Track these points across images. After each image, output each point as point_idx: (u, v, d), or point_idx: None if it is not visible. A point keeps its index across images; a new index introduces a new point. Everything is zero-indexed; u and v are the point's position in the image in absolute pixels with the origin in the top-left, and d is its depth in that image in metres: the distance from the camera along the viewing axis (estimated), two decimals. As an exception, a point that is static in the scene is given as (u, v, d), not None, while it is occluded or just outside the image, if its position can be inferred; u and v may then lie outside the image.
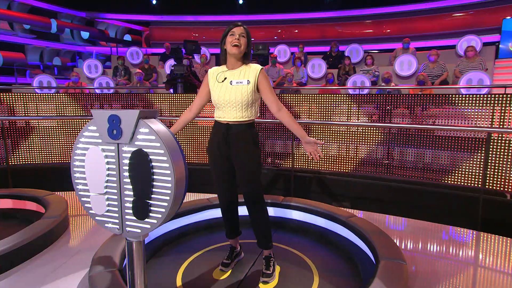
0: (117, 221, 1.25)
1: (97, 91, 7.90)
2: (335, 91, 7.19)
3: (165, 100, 4.81)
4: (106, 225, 1.27)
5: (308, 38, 11.80)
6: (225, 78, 2.04)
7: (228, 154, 2.08)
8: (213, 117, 2.12)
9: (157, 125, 1.18)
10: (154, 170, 1.16)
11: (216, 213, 2.88)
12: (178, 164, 1.15)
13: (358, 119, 4.16)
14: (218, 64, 9.76)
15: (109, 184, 1.24)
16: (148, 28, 13.25)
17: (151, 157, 1.16)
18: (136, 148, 1.18)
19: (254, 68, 2.03)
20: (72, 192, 3.93)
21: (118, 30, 14.24)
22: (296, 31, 12.18)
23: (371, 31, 11.35)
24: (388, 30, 11.13)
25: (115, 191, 1.24)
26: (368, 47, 10.64)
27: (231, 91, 2.00)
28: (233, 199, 2.19)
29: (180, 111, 4.75)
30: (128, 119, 1.15)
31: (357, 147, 4.17)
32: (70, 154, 4.80)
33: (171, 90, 6.08)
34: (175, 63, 5.76)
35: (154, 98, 4.85)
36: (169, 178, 1.15)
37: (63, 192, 3.79)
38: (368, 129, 4.09)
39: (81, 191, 1.28)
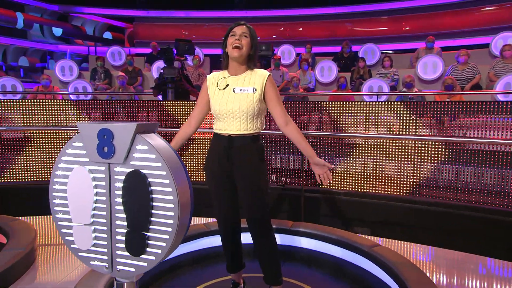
0: (105, 257, 1.21)
1: (72, 97, 7.91)
2: (348, 98, 7.25)
3: (153, 108, 4.83)
4: (91, 262, 1.22)
5: (316, 37, 11.96)
6: (227, 85, 2.07)
7: (230, 171, 2.09)
8: (211, 129, 2.19)
9: (158, 141, 1.16)
10: (154, 196, 1.13)
11: (215, 241, 2.84)
12: (183, 188, 1.13)
13: (376, 130, 4.19)
14: (212, 66, 10.04)
15: (97, 213, 1.21)
16: (132, 24, 13.38)
17: (150, 179, 1.14)
18: (132, 169, 1.15)
19: (261, 74, 2.05)
20: (42, 217, 3.84)
21: (96, 27, 14.36)
22: (301, 29, 12.35)
23: (388, 28, 11.50)
24: (408, 28, 11.28)
25: (105, 220, 1.21)
26: (385, 47, 10.77)
27: (234, 99, 2.02)
28: (235, 224, 2.19)
29: (170, 121, 4.78)
30: (122, 134, 1.13)
31: (376, 163, 4.18)
32: (38, 171, 4.74)
33: (160, 97, 6.09)
34: (165, 65, 5.78)
35: (139, 105, 4.87)
36: (172, 205, 1.12)
37: (31, 217, 3.69)
38: (388, 142, 4.11)
39: (62, 220, 1.24)
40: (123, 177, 1.15)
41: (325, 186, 4.33)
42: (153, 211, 1.13)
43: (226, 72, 2.12)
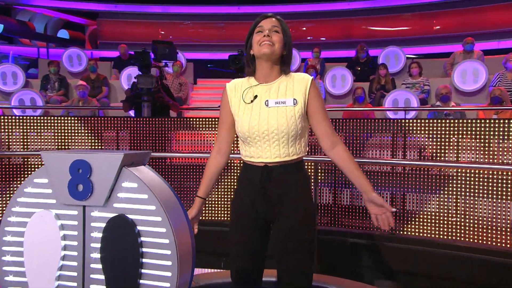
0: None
1: (17, 111, 7.86)
2: (367, 113, 7.29)
3: (123, 127, 4.84)
4: None
5: (325, 38, 12.19)
6: (256, 96, 2.05)
7: (269, 215, 2.08)
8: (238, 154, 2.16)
9: (151, 176, 1.15)
10: (145, 250, 1.10)
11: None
12: (183, 238, 1.11)
13: (403, 155, 4.21)
14: (197, 74, 10.10)
15: (66, 273, 1.17)
16: (96, 21, 13.49)
17: (140, 227, 1.11)
18: (116, 214, 1.13)
19: (301, 80, 2.05)
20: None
21: (49, 23, 14.46)
22: (305, 28, 12.60)
23: (415, 27, 11.75)
24: (439, 26, 11.53)
25: (75, 284, 1.16)
26: (412, 51, 10.96)
27: (268, 116, 2.01)
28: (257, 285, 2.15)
29: (146, 144, 4.78)
30: (104, 167, 1.11)
31: (404, 195, 4.18)
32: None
33: (132, 112, 6.08)
34: (139, 73, 5.81)
35: (105, 123, 4.87)
36: (169, 263, 1.08)
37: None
38: (420, 170, 4.12)
39: (13, 285, 1.20)
40: (103, 225, 1.13)
41: (343, 227, 4.29)
42: (143, 271, 1.09)
43: (252, 79, 2.10)
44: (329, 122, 2.07)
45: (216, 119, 4.79)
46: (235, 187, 2.16)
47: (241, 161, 2.14)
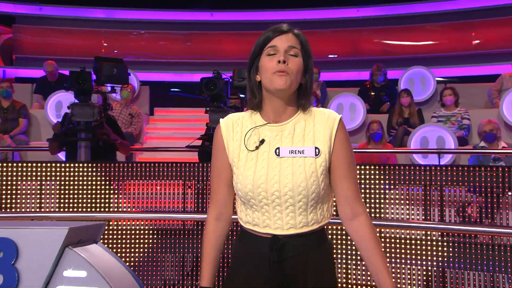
0: None
1: None
2: (386, 157, 7.35)
3: (49, 177, 4.81)
4: None
5: (326, 55, 12.28)
6: (263, 141, 2.07)
7: None
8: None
9: (105, 260, 1.12)
10: None
11: None
12: None
13: (440, 216, 4.21)
14: (154, 102, 10.02)
15: None
16: (11, 28, 13.47)
17: None
18: None
19: (326, 119, 2.08)
20: None
21: None
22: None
23: (447, 41, 11.95)
24: (478, 41, 11.79)
25: None
26: (444, 72, 11.14)
27: (280, 170, 2.02)
28: None
29: (84, 199, 4.75)
30: (37, 248, 1.07)
31: (442, 272, 4.19)
32: None
33: (62, 155, 6.11)
34: (76, 100, 5.76)
35: (22, 171, 4.84)
36: None
37: None
38: (464, 237, 4.15)
39: None
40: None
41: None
42: None
43: (257, 115, 2.12)
44: (356, 182, 2.09)
45: (182, 165, 4.82)
46: (228, 263, 2.13)
47: (238, 225, 2.14)
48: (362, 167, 4.43)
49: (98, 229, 1.14)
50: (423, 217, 4.29)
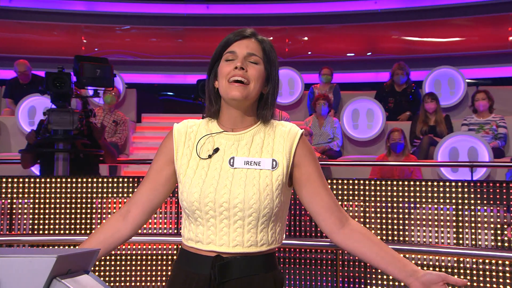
0: None
1: None
2: (409, 170, 7.34)
3: (21, 194, 4.81)
4: None
5: (338, 54, 12.39)
6: (217, 150, 2.15)
7: None
8: (176, 236, 2.21)
9: None
10: None
11: None
12: None
13: (474, 241, 4.20)
14: (142, 107, 9.99)
15: None
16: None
17: None
18: None
19: (287, 133, 2.17)
20: None
21: None
22: (305, 39, 12.89)
23: (477, 38, 11.97)
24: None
25: None
26: (476, 73, 11.14)
27: (233, 181, 2.09)
28: None
29: (63, 219, 4.75)
30: (19, 279, 1.06)
31: None
32: None
33: (35, 169, 6.14)
34: (53, 106, 5.77)
35: None
36: None
37: None
38: (503, 265, 4.11)
39: None
40: None
41: None
42: None
43: (214, 123, 2.21)
44: (331, 192, 2.20)
45: None
46: (167, 284, 2.23)
47: (178, 247, 2.17)
48: (383, 182, 4.45)
49: (89, 257, 1.12)
50: (454, 241, 4.27)
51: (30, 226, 4.76)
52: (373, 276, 4.45)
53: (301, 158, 2.13)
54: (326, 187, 2.17)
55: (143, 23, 12.96)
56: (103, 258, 4.71)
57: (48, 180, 4.81)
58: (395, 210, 4.39)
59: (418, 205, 4.38)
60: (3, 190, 4.80)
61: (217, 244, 2.07)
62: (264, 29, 12.49)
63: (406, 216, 4.38)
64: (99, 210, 4.82)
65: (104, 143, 6.15)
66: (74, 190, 4.77)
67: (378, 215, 4.39)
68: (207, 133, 2.17)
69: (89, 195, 4.76)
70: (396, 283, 4.32)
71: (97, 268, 4.71)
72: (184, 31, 12.83)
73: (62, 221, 4.74)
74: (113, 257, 4.75)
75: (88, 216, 4.75)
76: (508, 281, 4.08)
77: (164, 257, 4.73)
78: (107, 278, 4.73)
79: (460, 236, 4.27)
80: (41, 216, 4.74)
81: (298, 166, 2.14)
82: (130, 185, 4.80)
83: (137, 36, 12.92)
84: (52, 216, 4.74)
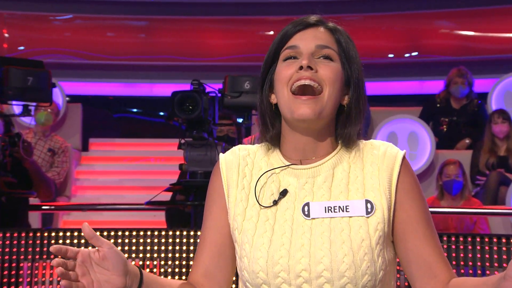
0: None
1: None
2: (469, 221, 7.38)
3: None
4: None
5: (369, 55, 12.42)
6: (284, 193, 2.15)
7: None
8: None
9: None
10: None
11: None
12: None
13: None
14: (89, 129, 9.86)
15: None
16: None
17: None
18: None
19: (380, 157, 2.16)
20: None
21: None
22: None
23: None
24: None
25: None
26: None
27: (311, 239, 2.08)
28: None
29: None
30: None
31: None
32: None
33: None
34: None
35: None
36: None
37: None
38: None
39: None
40: None
41: None
42: None
43: (276, 152, 2.22)
44: (438, 238, 2.16)
45: (140, 235, 4.92)
46: None
47: None
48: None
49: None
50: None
51: None
52: None
53: (404, 192, 2.11)
54: (433, 231, 2.13)
55: (91, 11, 13.03)
56: None
57: None
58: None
59: (488, 272, 4.41)
60: None
61: None
62: (264, 20, 12.65)
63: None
64: (27, 279, 4.82)
65: (34, 168, 6.18)
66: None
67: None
68: (268, 168, 2.17)
69: (13, 257, 4.79)
70: None
71: None
72: (151, 23, 13.01)
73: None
74: None
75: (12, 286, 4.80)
76: None
77: None
78: None
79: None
80: None
81: (402, 204, 2.11)
82: (75, 241, 4.81)
83: (82, 29, 13.04)
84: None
